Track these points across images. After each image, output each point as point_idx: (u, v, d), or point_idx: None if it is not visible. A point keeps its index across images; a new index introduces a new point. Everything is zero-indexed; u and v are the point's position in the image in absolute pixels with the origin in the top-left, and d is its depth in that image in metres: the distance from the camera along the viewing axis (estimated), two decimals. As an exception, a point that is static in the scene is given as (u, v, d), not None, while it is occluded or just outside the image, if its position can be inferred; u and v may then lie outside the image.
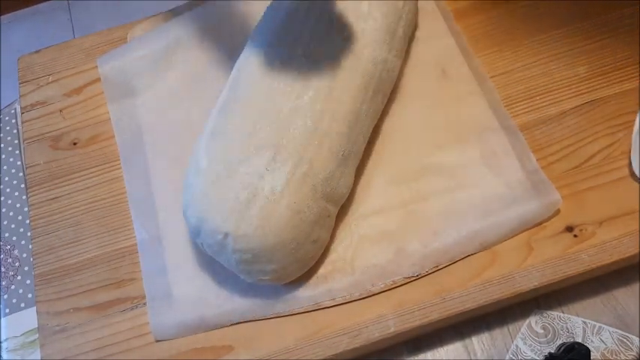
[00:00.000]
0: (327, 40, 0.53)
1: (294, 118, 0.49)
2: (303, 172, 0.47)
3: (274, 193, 0.46)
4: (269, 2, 0.58)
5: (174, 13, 0.67)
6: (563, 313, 0.51)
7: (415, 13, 0.61)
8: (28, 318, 0.54)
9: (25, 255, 0.57)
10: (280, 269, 0.48)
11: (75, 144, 0.60)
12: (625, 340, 0.49)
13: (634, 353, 0.49)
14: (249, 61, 0.54)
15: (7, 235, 0.58)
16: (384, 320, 0.48)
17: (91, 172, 0.58)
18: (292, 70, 0.51)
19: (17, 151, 0.64)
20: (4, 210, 0.60)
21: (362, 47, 0.53)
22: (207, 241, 0.48)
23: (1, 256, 0.58)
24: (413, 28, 0.61)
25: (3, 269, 0.57)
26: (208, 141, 0.50)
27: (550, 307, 0.51)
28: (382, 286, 0.50)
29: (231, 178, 0.47)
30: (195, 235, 0.49)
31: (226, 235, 0.46)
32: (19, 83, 0.65)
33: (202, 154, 0.49)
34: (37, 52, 0.67)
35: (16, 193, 0.61)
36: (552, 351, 0.49)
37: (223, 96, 0.53)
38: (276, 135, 0.48)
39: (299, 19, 0.54)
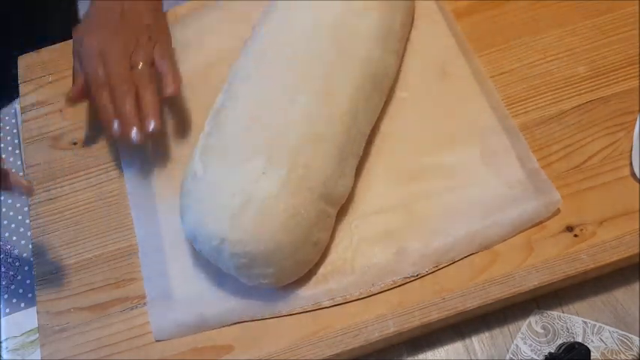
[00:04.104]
0: (323, 40, 0.52)
1: (289, 121, 0.49)
2: (299, 175, 0.47)
3: (269, 197, 0.46)
4: (268, 2, 0.58)
5: (174, 14, 0.67)
6: (563, 313, 0.51)
7: (411, 9, 0.61)
8: (28, 318, 0.54)
9: (25, 255, 0.57)
10: (279, 272, 0.48)
11: (75, 144, 0.60)
12: (625, 339, 0.49)
13: (634, 353, 0.49)
14: (245, 64, 0.54)
15: (7, 235, 0.58)
16: (384, 320, 0.48)
17: (91, 172, 0.58)
18: (287, 73, 0.51)
19: (17, 151, 0.64)
20: (4, 210, 0.60)
21: (357, 46, 0.53)
22: (204, 247, 0.48)
23: (1, 256, 0.58)
24: (409, 25, 0.61)
25: (3, 269, 0.57)
26: (203, 146, 0.50)
27: (550, 307, 0.51)
28: (382, 286, 0.50)
29: (226, 183, 0.47)
30: (193, 240, 0.49)
31: (222, 240, 0.46)
32: (19, 83, 0.65)
33: (198, 160, 0.49)
34: (37, 52, 0.67)
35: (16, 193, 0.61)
36: (552, 351, 0.49)
37: (219, 100, 0.53)
38: (271, 139, 0.48)
39: (295, 20, 0.54)
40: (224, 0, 0.66)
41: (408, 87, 0.59)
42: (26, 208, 0.59)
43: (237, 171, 0.47)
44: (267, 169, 0.47)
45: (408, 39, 0.61)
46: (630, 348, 0.49)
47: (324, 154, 0.48)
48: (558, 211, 0.52)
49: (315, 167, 0.48)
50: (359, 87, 0.52)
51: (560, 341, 0.49)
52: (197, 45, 0.63)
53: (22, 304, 0.55)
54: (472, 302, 0.48)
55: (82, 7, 0.78)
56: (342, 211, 0.53)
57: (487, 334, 0.51)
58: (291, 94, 0.50)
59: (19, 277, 0.56)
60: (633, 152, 0.53)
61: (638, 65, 0.58)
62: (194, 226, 0.48)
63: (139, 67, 0.54)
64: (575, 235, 0.51)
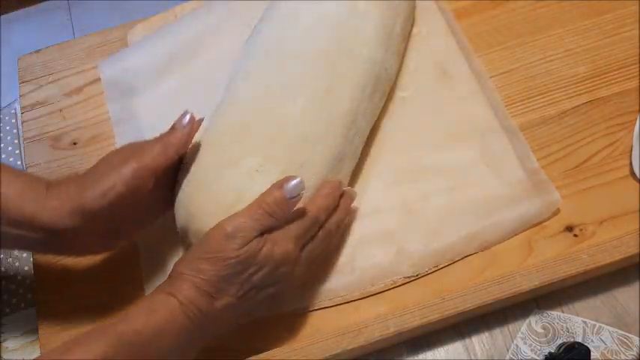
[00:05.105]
0: (324, 40, 0.52)
1: (287, 120, 0.49)
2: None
3: None
4: (268, 2, 0.58)
5: (174, 13, 0.67)
6: (563, 313, 0.51)
7: (412, 10, 0.61)
8: (28, 318, 0.54)
9: (25, 255, 0.57)
10: None
11: (75, 144, 0.60)
12: (625, 339, 0.49)
13: (634, 353, 0.49)
14: (246, 63, 0.53)
15: (7, 235, 0.58)
16: (384, 320, 0.48)
17: (91, 172, 0.58)
18: (288, 72, 0.51)
19: (17, 151, 0.64)
20: (4, 210, 0.60)
21: (359, 46, 0.53)
22: (194, 242, 0.48)
23: (1, 256, 0.58)
24: (410, 26, 0.61)
25: (3, 269, 0.57)
26: (199, 143, 0.50)
27: (550, 307, 0.51)
28: (382, 286, 0.50)
29: (220, 179, 0.47)
30: (184, 235, 0.49)
31: None
32: (19, 83, 0.65)
33: (192, 156, 0.49)
34: (37, 52, 0.67)
35: (16, 193, 0.61)
36: (552, 351, 0.49)
37: (219, 98, 0.53)
38: (268, 137, 0.48)
39: (295, 19, 0.54)
40: (224, 0, 0.66)
41: (408, 87, 0.59)
42: (26, 208, 0.59)
43: (232, 168, 0.47)
44: (262, 166, 0.47)
45: (408, 39, 0.61)
46: (630, 348, 0.49)
47: (321, 155, 0.48)
48: (558, 211, 0.52)
49: (311, 167, 0.48)
50: (360, 87, 0.52)
51: (560, 341, 0.49)
52: (197, 44, 0.63)
53: (22, 304, 0.55)
54: (472, 302, 0.48)
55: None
56: (342, 211, 0.53)
57: (487, 334, 0.51)
58: (291, 93, 0.50)
59: (19, 278, 0.56)
60: (633, 152, 0.53)
61: (638, 65, 0.58)
62: (185, 221, 0.48)
63: None
64: (575, 235, 0.51)
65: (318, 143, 0.48)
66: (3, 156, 0.63)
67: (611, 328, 0.50)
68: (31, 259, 0.55)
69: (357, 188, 0.54)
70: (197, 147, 0.49)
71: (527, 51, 0.60)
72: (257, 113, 0.50)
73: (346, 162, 0.51)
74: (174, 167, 0.49)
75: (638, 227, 0.50)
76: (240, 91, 0.51)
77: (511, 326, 0.51)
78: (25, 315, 0.55)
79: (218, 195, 0.46)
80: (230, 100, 0.51)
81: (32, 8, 0.81)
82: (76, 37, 0.71)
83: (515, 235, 0.51)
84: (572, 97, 0.57)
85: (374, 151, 0.56)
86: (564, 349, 0.48)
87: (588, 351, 0.47)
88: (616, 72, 0.58)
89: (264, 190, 0.45)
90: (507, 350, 0.50)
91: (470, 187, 0.53)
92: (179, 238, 0.52)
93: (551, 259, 0.49)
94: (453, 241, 0.51)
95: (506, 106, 0.57)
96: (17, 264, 0.57)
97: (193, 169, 0.48)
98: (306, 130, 0.49)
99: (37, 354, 0.51)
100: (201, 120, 0.48)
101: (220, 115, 0.51)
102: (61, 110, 0.63)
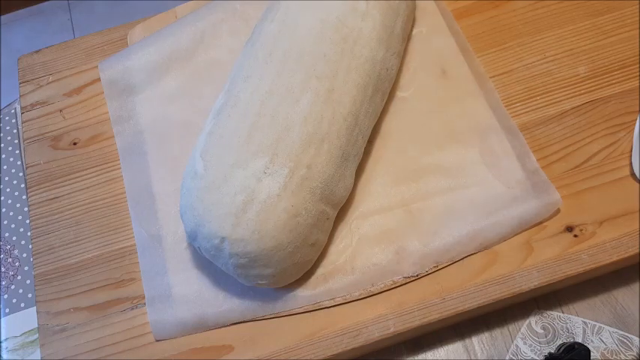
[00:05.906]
0: (325, 41, 0.53)
1: (292, 121, 0.49)
2: (301, 176, 0.47)
3: (271, 196, 0.46)
4: (269, 2, 0.58)
5: (174, 13, 0.67)
6: (563, 313, 0.51)
7: (413, 10, 0.61)
8: (28, 318, 0.54)
9: (25, 255, 0.57)
10: (277, 273, 0.48)
11: (75, 144, 0.60)
12: (625, 340, 0.49)
13: (634, 353, 0.49)
14: (247, 63, 0.53)
15: (7, 235, 0.58)
16: (384, 320, 0.48)
17: (91, 172, 0.59)
18: (290, 73, 0.51)
19: (17, 151, 0.64)
20: (4, 210, 0.60)
21: (360, 46, 0.53)
22: (204, 246, 0.48)
23: (1, 256, 0.58)
24: (410, 26, 0.61)
25: (3, 269, 0.57)
26: (205, 145, 0.50)
27: (550, 307, 0.51)
28: (382, 286, 0.50)
29: (228, 182, 0.47)
30: (193, 239, 0.49)
31: (223, 239, 0.46)
32: (19, 83, 0.65)
33: (199, 159, 0.49)
34: (37, 52, 0.67)
35: (16, 193, 0.61)
36: (552, 351, 0.49)
37: (221, 98, 0.53)
38: (274, 138, 0.48)
39: (296, 20, 0.54)
40: (224, 0, 0.66)
41: (408, 87, 0.59)
42: (26, 208, 0.59)
43: (239, 170, 0.47)
44: (269, 168, 0.47)
45: (408, 39, 0.61)
46: (630, 348, 0.49)
47: (327, 155, 0.49)
48: (558, 211, 0.52)
49: (318, 168, 0.48)
50: (362, 88, 0.52)
51: (560, 341, 0.49)
52: (197, 45, 0.63)
53: (22, 304, 0.55)
54: (472, 302, 0.48)
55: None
56: (342, 212, 0.53)
57: (487, 334, 0.51)
58: (294, 94, 0.50)
59: (19, 277, 0.56)
60: (633, 152, 0.54)
61: (638, 65, 0.58)
62: (194, 224, 0.48)
63: None
64: (575, 236, 0.51)
65: (323, 144, 0.49)
66: (3, 156, 0.63)
67: (611, 329, 0.50)
68: (31, 259, 0.55)
69: (358, 188, 0.54)
70: (202, 150, 0.50)
71: (527, 51, 0.60)
72: (261, 115, 0.50)
73: (350, 162, 0.51)
74: None
75: (638, 227, 0.50)
76: (243, 93, 0.51)
77: (511, 326, 0.51)
78: (25, 315, 0.55)
79: (226, 198, 0.47)
80: (233, 102, 0.51)
81: (32, 8, 0.81)
82: (76, 37, 0.71)
83: (516, 235, 0.51)
84: (572, 97, 0.57)
85: (374, 151, 0.56)
86: (564, 349, 0.48)
87: (588, 351, 0.47)
88: (616, 72, 0.58)
89: (273, 191, 0.45)
90: (507, 350, 0.50)
91: (470, 187, 0.53)
92: (187, 240, 0.53)
93: (551, 259, 0.49)
94: (453, 241, 0.51)
95: (506, 106, 0.57)
96: (17, 264, 0.57)
97: (200, 172, 0.48)
98: (311, 131, 0.49)
99: (37, 354, 0.51)
100: None
101: (224, 117, 0.51)
102: (61, 110, 0.63)
